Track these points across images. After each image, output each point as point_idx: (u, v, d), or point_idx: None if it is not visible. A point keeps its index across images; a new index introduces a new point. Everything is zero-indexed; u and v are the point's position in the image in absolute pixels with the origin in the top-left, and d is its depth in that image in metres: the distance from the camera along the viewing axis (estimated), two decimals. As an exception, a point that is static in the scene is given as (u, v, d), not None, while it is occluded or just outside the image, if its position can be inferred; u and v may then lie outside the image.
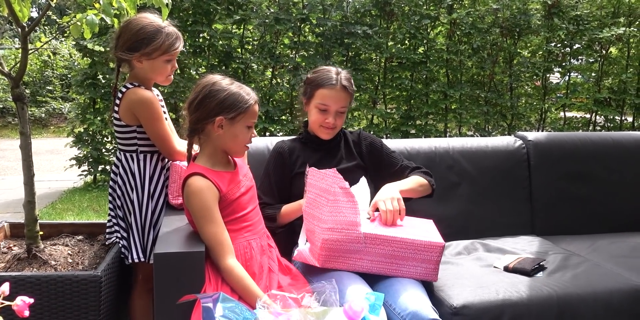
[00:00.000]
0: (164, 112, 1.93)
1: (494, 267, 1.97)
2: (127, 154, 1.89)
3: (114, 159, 1.96)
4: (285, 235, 1.90)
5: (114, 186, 1.91)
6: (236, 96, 1.59)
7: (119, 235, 1.90)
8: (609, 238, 2.33)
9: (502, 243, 2.21)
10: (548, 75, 6.32)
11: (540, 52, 6.18)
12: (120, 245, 1.90)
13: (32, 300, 1.41)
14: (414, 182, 1.93)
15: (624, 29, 5.58)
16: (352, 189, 1.79)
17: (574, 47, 6.15)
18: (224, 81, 1.62)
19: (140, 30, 1.79)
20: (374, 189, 2.05)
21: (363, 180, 1.90)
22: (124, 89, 1.84)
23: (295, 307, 1.40)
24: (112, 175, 1.94)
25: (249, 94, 1.62)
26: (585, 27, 5.82)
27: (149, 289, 1.88)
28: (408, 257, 1.65)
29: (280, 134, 5.37)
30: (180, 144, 1.92)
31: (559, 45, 6.08)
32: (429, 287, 1.76)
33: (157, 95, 1.97)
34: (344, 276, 1.64)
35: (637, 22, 6.09)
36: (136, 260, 1.85)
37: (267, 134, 5.28)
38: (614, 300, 1.79)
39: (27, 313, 1.34)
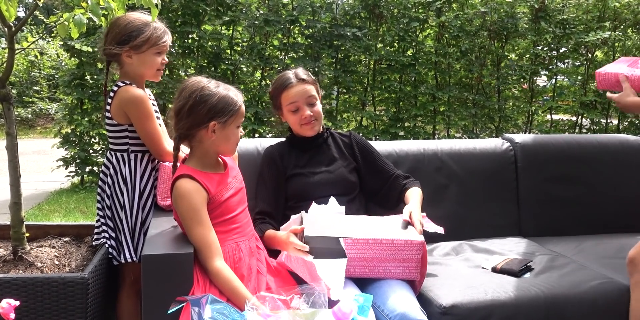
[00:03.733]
0: (156, 111, 1.92)
1: (482, 268, 1.98)
2: (118, 154, 1.88)
3: (104, 159, 1.95)
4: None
5: (104, 186, 1.90)
6: (226, 99, 1.59)
7: (107, 235, 1.89)
8: (595, 239, 2.36)
9: (489, 244, 2.23)
10: (535, 78, 6.39)
11: (528, 55, 6.24)
12: (107, 245, 1.89)
13: (17, 303, 1.40)
14: (419, 196, 1.96)
15: (609, 33, 5.65)
16: (321, 208, 1.81)
17: (561, 51, 6.22)
18: (210, 85, 1.61)
19: (128, 24, 1.81)
20: (365, 192, 2.07)
21: (332, 200, 1.87)
22: (115, 88, 1.84)
23: (284, 309, 1.40)
24: (101, 175, 1.93)
25: (236, 95, 1.63)
26: (572, 31, 5.89)
27: (137, 290, 1.87)
28: (389, 258, 1.64)
29: (270, 135, 5.36)
30: (170, 145, 1.91)
31: (545, 48, 6.14)
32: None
33: (149, 95, 1.97)
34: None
35: (622, 27, 6.17)
36: (129, 260, 1.84)
37: (257, 135, 5.27)
38: (599, 300, 1.81)
39: (12, 316, 1.32)
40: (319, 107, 1.96)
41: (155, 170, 1.91)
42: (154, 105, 1.94)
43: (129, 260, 1.84)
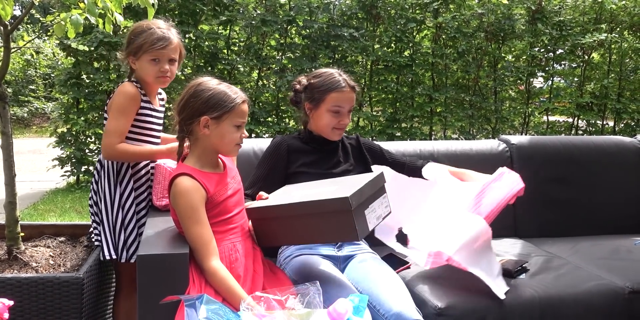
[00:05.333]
0: (156, 116, 1.92)
1: (478, 269, 1.99)
2: None
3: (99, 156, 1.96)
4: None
5: (93, 182, 1.92)
6: (221, 95, 1.58)
7: (97, 231, 1.89)
8: (591, 240, 2.36)
9: (485, 245, 2.23)
10: (531, 80, 6.41)
11: (524, 57, 6.27)
12: (96, 242, 1.89)
13: (12, 303, 1.40)
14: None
15: (605, 35, 5.67)
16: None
17: (557, 52, 6.24)
18: (211, 82, 1.62)
19: (133, 30, 1.84)
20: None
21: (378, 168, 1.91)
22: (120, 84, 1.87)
23: (279, 309, 1.39)
24: (94, 171, 1.94)
25: (236, 93, 1.61)
26: (568, 33, 5.91)
27: (134, 288, 1.87)
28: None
29: (266, 135, 5.36)
30: (136, 146, 1.86)
31: (542, 50, 6.16)
32: (414, 288, 1.77)
33: (162, 99, 2.00)
34: (329, 278, 1.65)
35: (619, 29, 6.20)
36: (107, 258, 1.83)
37: (253, 135, 5.27)
38: (594, 301, 1.82)
39: (6, 315, 1.32)
40: (350, 116, 2.01)
41: (145, 172, 1.91)
42: (159, 111, 1.95)
43: (107, 257, 1.83)
